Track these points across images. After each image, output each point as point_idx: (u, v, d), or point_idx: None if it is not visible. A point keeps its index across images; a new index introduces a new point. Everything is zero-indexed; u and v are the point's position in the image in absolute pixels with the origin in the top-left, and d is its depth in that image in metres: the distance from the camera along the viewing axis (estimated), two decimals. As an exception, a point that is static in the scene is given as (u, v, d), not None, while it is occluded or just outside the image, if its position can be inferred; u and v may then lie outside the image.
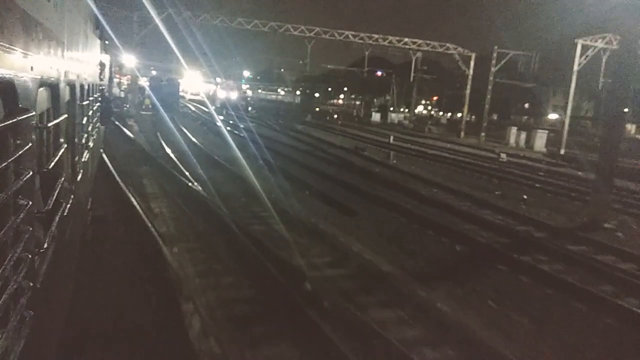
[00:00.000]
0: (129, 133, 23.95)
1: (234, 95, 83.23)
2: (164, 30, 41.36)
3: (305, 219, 11.06)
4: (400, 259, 9.31)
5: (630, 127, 67.01)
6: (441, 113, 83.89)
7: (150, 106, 45.48)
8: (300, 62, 59.28)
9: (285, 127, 43.90)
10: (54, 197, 2.83)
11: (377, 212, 12.85)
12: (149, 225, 9.35)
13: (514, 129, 40.85)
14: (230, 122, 40.77)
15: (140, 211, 10.20)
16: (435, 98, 60.02)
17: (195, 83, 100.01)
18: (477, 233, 11.45)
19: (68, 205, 3.55)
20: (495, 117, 74.60)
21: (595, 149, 42.38)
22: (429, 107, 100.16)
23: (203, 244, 9.01)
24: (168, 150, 19.34)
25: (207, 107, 63.96)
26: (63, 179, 3.26)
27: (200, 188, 13.11)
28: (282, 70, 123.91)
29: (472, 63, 44.59)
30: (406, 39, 42.98)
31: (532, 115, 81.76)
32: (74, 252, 4.74)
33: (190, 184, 13.47)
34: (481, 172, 22.26)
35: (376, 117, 65.93)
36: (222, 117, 45.83)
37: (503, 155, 29.88)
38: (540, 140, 37.70)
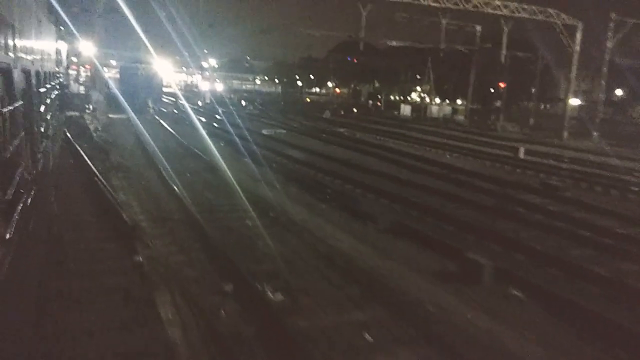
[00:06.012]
0: (104, 181, 10.32)
1: (219, 87, 69.30)
2: (125, 9, 30.47)
3: None
4: None
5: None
6: (437, 101, 69.59)
7: (151, 109, 32.82)
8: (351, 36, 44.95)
9: (323, 131, 30.64)
10: (14, 187, 2.74)
11: None
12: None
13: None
14: (242, 126, 27.60)
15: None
16: (502, 84, 46.69)
17: (166, 73, 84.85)
18: None
19: (30, 197, 3.41)
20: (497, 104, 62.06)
21: None
22: (422, 95, 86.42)
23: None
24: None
25: (182, 101, 50.21)
26: (22, 169, 3.19)
27: None
28: (248, 58, 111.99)
29: (578, 35, 32.04)
30: (496, 2, 29.98)
31: (543, 101, 71.10)
32: (39, 243, 4.63)
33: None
34: None
35: (406, 110, 52.93)
36: (218, 117, 33.49)
37: None
38: None
